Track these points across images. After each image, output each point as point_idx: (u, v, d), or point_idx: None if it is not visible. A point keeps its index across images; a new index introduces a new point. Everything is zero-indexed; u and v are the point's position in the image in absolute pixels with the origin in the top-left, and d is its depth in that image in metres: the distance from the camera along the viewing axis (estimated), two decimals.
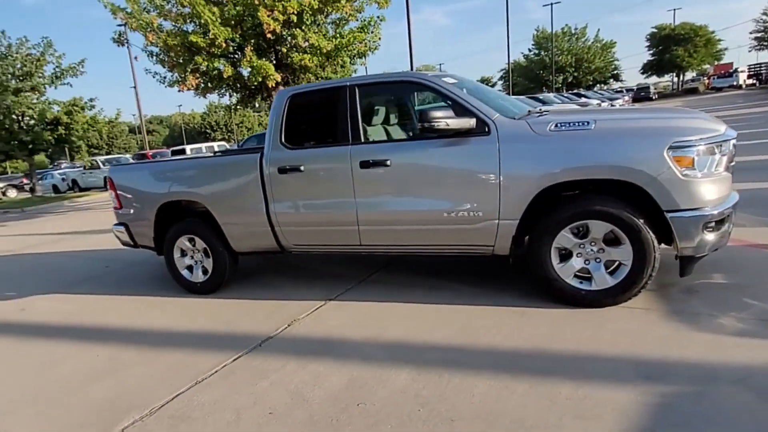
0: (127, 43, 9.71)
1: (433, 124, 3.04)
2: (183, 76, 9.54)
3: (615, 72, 54.00)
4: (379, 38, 10.51)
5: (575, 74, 49.38)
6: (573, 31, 49.67)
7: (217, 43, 8.72)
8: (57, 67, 17.50)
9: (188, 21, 9.09)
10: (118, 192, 4.53)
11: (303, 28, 9.50)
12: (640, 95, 42.54)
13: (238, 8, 8.77)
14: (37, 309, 4.58)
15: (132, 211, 4.49)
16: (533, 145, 3.05)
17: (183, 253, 4.36)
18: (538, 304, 3.20)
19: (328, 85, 3.78)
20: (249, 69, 9.29)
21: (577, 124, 3.02)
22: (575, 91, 36.00)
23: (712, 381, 2.17)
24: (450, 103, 3.32)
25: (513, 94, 41.58)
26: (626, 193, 2.92)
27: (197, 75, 9.55)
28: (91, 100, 18.08)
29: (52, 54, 17.42)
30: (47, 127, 17.38)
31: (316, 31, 10.89)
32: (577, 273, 3.09)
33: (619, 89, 47.65)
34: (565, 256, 3.12)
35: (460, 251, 3.43)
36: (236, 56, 9.87)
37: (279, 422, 2.25)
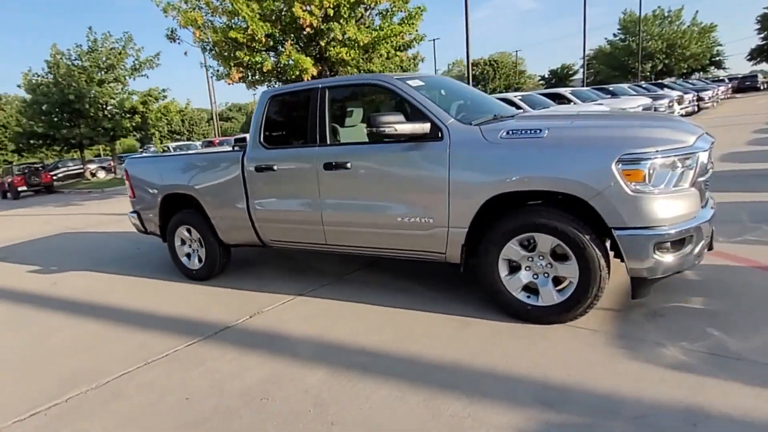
0: (178, 39, 10.46)
1: (381, 129, 3.04)
2: (228, 70, 10.11)
3: (716, 59, 48.76)
4: (416, 30, 10.38)
5: (666, 61, 45.27)
6: (666, 14, 45.36)
7: (257, 38, 9.11)
8: (136, 59, 19.17)
9: (231, 17, 9.56)
10: (132, 182, 4.97)
11: (341, 21, 9.64)
12: (745, 84, 37.98)
13: (276, 3, 9.09)
14: (66, 284, 5.17)
15: (142, 200, 4.91)
16: (482, 153, 2.96)
17: (183, 242, 4.71)
18: (490, 315, 3.12)
19: (302, 87, 3.88)
20: (288, 63, 9.62)
21: (528, 132, 2.89)
22: (659, 81, 32.95)
23: (611, 415, 2.04)
24: (409, 106, 3.30)
25: (594, 84, 38.91)
26: (582, 206, 2.76)
27: (241, 69, 10.06)
28: (163, 90, 19.66)
29: (132, 47, 19.10)
30: (126, 115, 19.14)
31: (362, 22, 11.01)
32: (525, 287, 2.98)
33: (720, 78, 42.89)
34: (515, 268, 3.01)
35: (416, 256, 3.42)
36: (277, 51, 10.24)
37: (188, 408, 2.44)
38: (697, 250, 2.72)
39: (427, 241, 3.25)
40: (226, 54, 9.82)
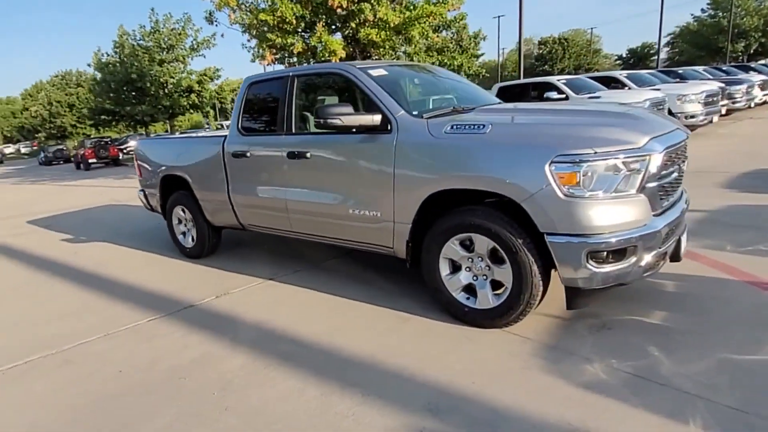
0: (216, 21, 10.81)
1: (328, 120, 3.02)
2: (262, 51, 10.34)
3: None
4: (449, 9, 10.01)
5: (762, 40, 40.61)
6: None
7: (287, 20, 9.23)
8: (194, 40, 20.07)
9: None
10: (139, 162, 5.28)
11: (372, 1, 9.51)
12: None
13: None
14: (85, 254, 5.63)
15: (147, 179, 5.22)
16: (425, 147, 2.87)
17: (179, 221, 4.98)
18: (432, 314, 3.06)
19: (276, 75, 3.91)
20: (318, 45, 9.68)
21: (471, 127, 2.75)
22: (749, 63, 29.45)
23: (488, 429, 1.96)
24: (365, 96, 3.25)
25: (677, 65, 35.46)
26: (517, 209, 2.61)
27: (274, 50, 10.26)
28: (218, 70, 20.49)
29: (191, 28, 19.99)
30: (183, 93, 20.21)
31: (399, 2, 10.79)
32: (466, 287, 2.89)
33: None
34: (457, 268, 2.92)
35: (368, 248, 3.40)
36: (308, 32, 10.32)
37: (115, 380, 2.63)
38: (645, 261, 2.49)
39: (376, 234, 3.23)
40: (259, 36, 10.04)
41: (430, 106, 3.46)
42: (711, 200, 5.22)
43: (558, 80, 11.60)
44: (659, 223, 2.51)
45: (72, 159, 24.75)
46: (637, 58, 57.58)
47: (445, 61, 12.34)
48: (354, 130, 3.11)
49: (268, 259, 4.69)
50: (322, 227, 3.58)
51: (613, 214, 2.39)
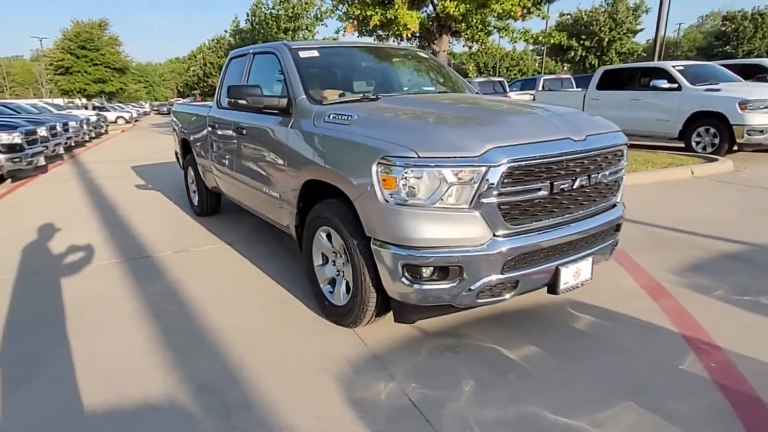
0: None
1: (237, 100, 3.14)
2: (345, 23, 10.58)
3: None
4: None
5: None
6: None
7: None
8: (318, 9, 21.10)
9: None
10: (173, 125, 5.97)
11: None
12: None
13: None
14: (138, 200, 6.58)
15: (176, 140, 5.89)
16: (305, 135, 2.85)
17: (192, 181, 5.56)
18: (312, 303, 3.07)
19: (244, 52, 4.09)
20: (393, 17, 9.57)
21: (341, 118, 2.65)
22: None
23: (225, 416, 2.01)
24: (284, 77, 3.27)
25: None
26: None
27: (354, 23, 10.41)
28: (335, 39, 21.30)
29: None
30: None
31: None
32: (330, 281, 2.85)
33: None
34: (327, 260, 2.88)
35: (282, 228, 3.48)
36: (390, 5, 10.21)
37: (38, 305, 3.19)
38: (477, 285, 2.20)
39: (279, 214, 3.31)
40: (339, 8, 10.26)
41: (353, 92, 3.35)
42: None
43: (674, 66, 9.85)
44: (502, 245, 2.18)
45: None
46: None
47: (541, 38, 11.22)
48: (265, 110, 3.18)
49: (250, 226, 4.99)
50: (255, 202, 3.75)
51: (434, 228, 2.16)
